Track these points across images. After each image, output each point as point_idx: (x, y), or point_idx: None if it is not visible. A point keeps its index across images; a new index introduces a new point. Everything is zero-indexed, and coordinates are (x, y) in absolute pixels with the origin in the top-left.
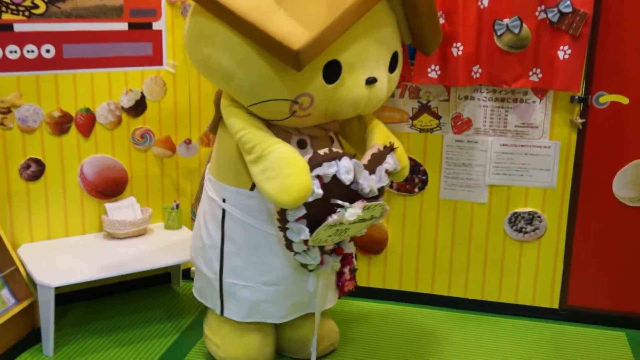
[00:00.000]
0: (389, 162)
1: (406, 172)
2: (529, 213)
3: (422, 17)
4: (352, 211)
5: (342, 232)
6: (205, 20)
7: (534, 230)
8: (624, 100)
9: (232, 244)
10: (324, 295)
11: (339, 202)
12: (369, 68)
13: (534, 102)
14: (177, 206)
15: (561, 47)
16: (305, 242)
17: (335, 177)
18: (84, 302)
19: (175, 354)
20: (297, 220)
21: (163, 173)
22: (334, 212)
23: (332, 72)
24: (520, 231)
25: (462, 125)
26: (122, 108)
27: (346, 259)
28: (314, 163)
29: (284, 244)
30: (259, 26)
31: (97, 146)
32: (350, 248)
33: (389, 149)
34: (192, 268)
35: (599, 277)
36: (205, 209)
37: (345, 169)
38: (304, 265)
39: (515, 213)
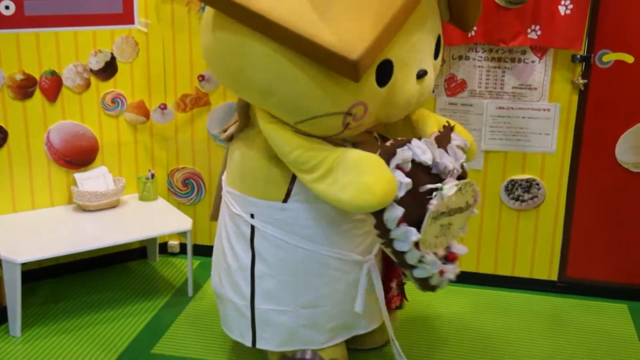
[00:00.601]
0: (456, 139)
1: (475, 149)
2: (527, 180)
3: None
4: (449, 186)
5: (446, 228)
6: (231, 35)
7: (531, 199)
8: (629, 59)
9: (264, 264)
10: (371, 313)
11: (431, 186)
12: (419, 61)
13: (532, 61)
14: (152, 176)
15: (562, 2)
16: (417, 245)
17: (414, 163)
18: (53, 279)
19: (152, 333)
20: (399, 224)
21: (136, 140)
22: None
23: (385, 73)
24: (517, 199)
25: (456, 87)
26: (91, 70)
27: (393, 272)
28: (387, 154)
29: (396, 262)
30: (307, 37)
31: (64, 112)
32: (462, 249)
33: (449, 127)
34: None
35: (600, 247)
36: (228, 227)
37: (420, 149)
38: (425, 284)
39: (512, 180)
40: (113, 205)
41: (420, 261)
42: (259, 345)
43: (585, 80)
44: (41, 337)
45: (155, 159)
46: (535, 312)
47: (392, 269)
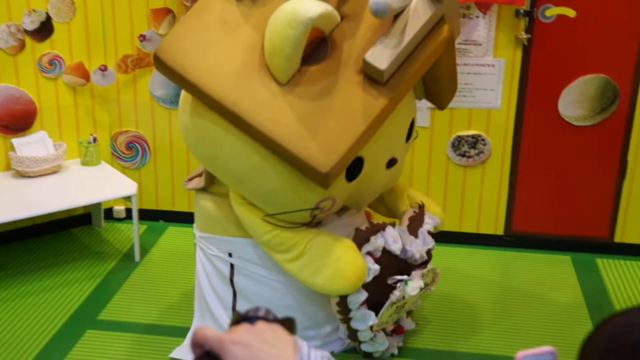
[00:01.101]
0: (428, 222)
1: (442, 224)
2: (473, 136)
3: (443, 84)
4: (414, 284)
5: (400, 308)
6: (210, 125)
7: (477, 154)
8: (571, 13)
9: (246, 300)
10: None
11: (399, 277)
12: (390, 151)
13: (477, 17)
14: (95, 140)
15: None
16: (371, 328)
17: (384, 250)
18: None
19: (98, 300)
20: (360, 306)
21: (76, 103)
22: (393, 289)
23: (355, 168)
24: (463, 155)
25: None
26: (25, 31)
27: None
28: (360, 240)
29: (347, 335)
30: (281, 143)
31: None
32: (409, 324)
33: (422, 209)
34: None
35: (544, 201)
36: (207, 269)
37: (392, 238)
38: (368, 355)
39: (459, 137)
40: (54, 171)
41: (371, 339)
42: None
43: (529, 35)
44: None
45: (97, 122)
46: (483, 266)
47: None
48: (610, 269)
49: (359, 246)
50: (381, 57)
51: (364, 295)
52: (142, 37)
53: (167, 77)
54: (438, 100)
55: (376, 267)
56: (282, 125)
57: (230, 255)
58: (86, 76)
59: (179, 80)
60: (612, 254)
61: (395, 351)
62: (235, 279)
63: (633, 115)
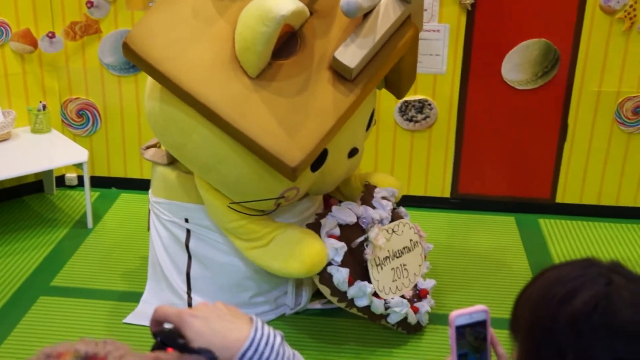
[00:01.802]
0: (381, 192)
1: (401, 192)
2: (419, 101)
3: (404, 76)
4: (374, 232)
5: (401, 270)
6: (179, 113)
7: (424, 119)
8: None
9: (201, 265)
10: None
11: (359, 239)
12: (352, 141)
13: None
14: (44, 107)
15: None
16: (377, 295)
17: (343, 226)
18: None
19: (51, 266)
20: (350, 284)
21: (25, 71)
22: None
23: (319, 159)
24: (411, 120)
25: None
26: None
27: None
28: (315, 227)
29: (371, 318)
30: (250, 136)
31: None
32: (428, 283)
33: (370, 186)
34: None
35: (489, 164)
36: (161, 235)
37: (342, 213)
38: (407, 326)
39: (406, 102)
40: (4, 139)
41: (386, 308)
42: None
43: (472, 1)
44: None
45: (46, 89)
46: (431, 227)
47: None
48: (552, 228)
49: (318, 233)
50: (350, 55)
51: (345, 271)
52: (90, 4)
53: (136, 65)
54: (397, 91)
55: (340, 244)
56: (252, 118)
57: (186, 220)
58: (34, 43)
59: (149, 70)
60: (553, 214)
61: (429, 309)
62: (190, 244)
63: (573, 78)
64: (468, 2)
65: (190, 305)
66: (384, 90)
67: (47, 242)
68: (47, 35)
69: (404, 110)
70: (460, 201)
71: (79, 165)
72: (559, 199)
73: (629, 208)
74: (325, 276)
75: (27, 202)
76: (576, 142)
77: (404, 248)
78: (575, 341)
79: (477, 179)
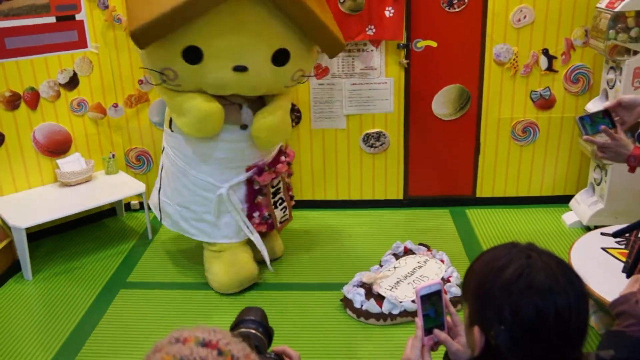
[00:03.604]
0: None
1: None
2: (377, 132)
3: (309, 34)
4: (370, 281)
5: (420, 279)
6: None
7: (381, 145)
8: (434, 44)
9: (164, 171)
10: (235, 230)
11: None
12: (237, 58)
13: (372, 50)
14: (113, 156)
15: (387, 8)
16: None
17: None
18: (51, 237)
19: (126, 268)
20: (380, 307)
21: (99, 132)
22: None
23: (193, 55)
24: (371, 146)
25: (322, 72)
26: (59, 84)
27: (255, 206)
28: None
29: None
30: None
31: (43, 116)
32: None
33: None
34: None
35: (428, 173)
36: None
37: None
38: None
39: (367, 134)
40: (87, 180)
41: (413, 302)
42: (162, 222)
43: (408, 61)
44: (47, 278)
45: (114, 143)
46: (390, 221)
47: (256, 202)
48: (475, 215)
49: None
50: None
51: (372, 302)
52: (141, 82)
53: (142, 40)
54: (322, 49)
55: (362, 290)
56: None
57: (164, 138)
58: (104, 112)
59: (151, 28)
60: (475, 205)
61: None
62: (162, 156)
63: (481, 110)
64: (405, 62)
65: (159, 194)
66: (351, 126)
67: (121, 251)
68: (113, 106)
69: (366, 140)
70: (410, 201)
71: (140, 195)
72: (478, 194)
73: (525, 197)
74: (363, 312)
75: (106, 223)
76: (487, 154)
77: (413, 269)
78: (507, 299)
79: (421, 184)
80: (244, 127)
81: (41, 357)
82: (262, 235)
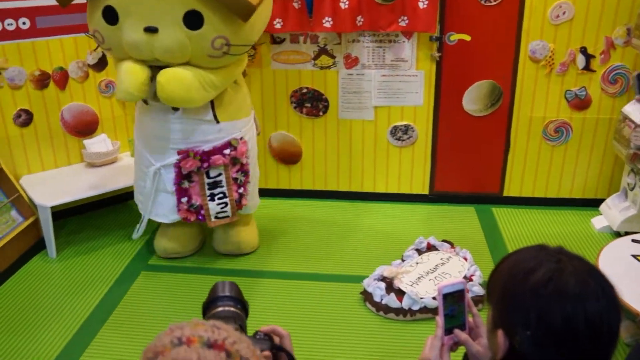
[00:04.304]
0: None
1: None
2: (405, 125)
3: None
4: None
5: (442, 277)
6: None
7: (408, 138)
8: (467, 38)
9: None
10: (168, 211)
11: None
12: (148, 18)
13: (403, 41)
14: None
15: None
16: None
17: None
18: (76, 217)
19: (148, 250)
20: (400, 302)
21: (125, 113)
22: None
23: (110, 15)
24: (399, 139)
25: (351, 62)
26: (88, 65)
27: (183, 191)
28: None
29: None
30: None
31: (72, 96)
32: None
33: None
34: None
35: (455, 169)
36: None
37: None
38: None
39: (395, 126)
40: (113, 161)
41: (434, 298)
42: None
43: (440, 54)
44: (70, 257)
45: None
46: (415, 217)
47: (182, 187)
48: (501, 214)
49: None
50: None
51: (392, 295)
52: None
53: None
54: (228, 9)
55: (383, 284)
56: None
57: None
58: None
59: None
60: (502, 204)
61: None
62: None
63: (512, 107)
64: (437, 55)
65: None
66: (379, 118)
67: (144, 232)
68: None
69: (393, 132)
70: (435, 197)
71: None
72: (505, 193)
73: (554, 199)
74: (382, 306)
75: (130, 205)
76: (517, 152)
77: (435, 266)
78: (535, 304)
79: (447, 180)
80: (175, 108)
81: (63, 333)
82: (229, 227)
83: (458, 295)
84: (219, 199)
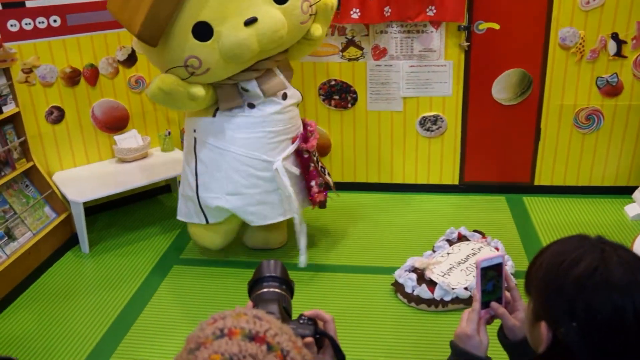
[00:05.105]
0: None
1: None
2: (434, 116)
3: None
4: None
5: (473, 267)
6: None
7: (437, 129)
8: (496, 26)
9: (202, 164)
10: (287, 206)
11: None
12: (241, 12)
13: (431, 31)
14: (169, 133)
15: None
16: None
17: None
18: (108, 212)
19: (179, 244)
20: (432, 292)
21: (155, 109)
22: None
23: (203, 31)
24: (428, 130)
25: (379, 53)
26: (118, 61)
27: (311, 174)
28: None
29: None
30: (123, 24)
31: (102, 92)
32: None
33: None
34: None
35: (485, 158)
36: (184, 147)
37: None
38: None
39: (424, 117)
40: (143, 157)
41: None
42: (210, 221)
43: (468, 43)
44: (103, 252)
45: (170, 121)
46: (445, 207)
47: (309, 171)
48: (533, 204)
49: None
50: None
51: (423, 287)
52: None
53: (152, 32)
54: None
55: (414, 275)
56: (124, 9)
57: (194, 131)
58: None
59: (150, 21)
60: (533, 193)
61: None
62: (197, 148)
63: (542, 96)
64: (465, 44)
65: (197, 195)
66: (407, 109)
67: (175, 227)
68: None
69: (422, 123)
70: (465, 187)
71: None
72: (536, 182)
73: (585, 187)
74: (414, 297)
75: (160, 200)
76: (547, 141)
77: (466, 256)
78: (581, 295)
79: (477, 170)
80: (284, 96)
81: (96, 328)
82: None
83: (496, 270)
84: (324, 171)
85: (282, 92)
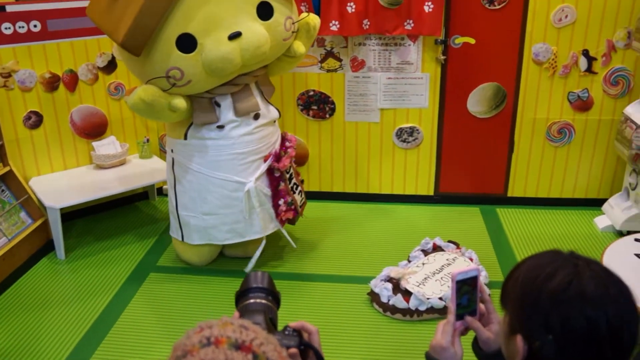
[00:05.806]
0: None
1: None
2: (410, 127)
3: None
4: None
5: (448, 278)
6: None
7: (414, 140)
8: (472, 41)
9: (180, 184)
10: (263, 224)
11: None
12: (227, 26)
13: (409, 45)
14: (148, 140)
15: (426, 3)
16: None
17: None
18: (85, 218)
19: (156, 251)
20: (407, 302)
21: (134, 116)
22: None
23: (187, 43)
24: (404, 141)
25: (358, 65)
26: (98, 67)
27: (279, 194)
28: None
29: (439, 316)
30: (106, 32)
31: (81, 98)
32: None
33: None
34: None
35: (460, 170)
36: (167, 164)
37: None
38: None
39: (400, 128)
40: (121, 163)
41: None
42: (185, 240)
43: (445, 57)
44: (79, 258)
45: (149, 128)
46: (420, 217)
47: (279, 190)
48: (506, 215)
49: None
50: None
51: (399, 296)
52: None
53: (135, 41)
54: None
55: (390, 285)
56: (106, 19)
57: (172, 151)
58: None
59: (135, 30)
60: (506, 205)
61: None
62: (174, 168)
63: (516, 109)
64: (442, 58)
65: (177, 212)
66: (384, 120)
67: (152, 233)
68: None
69: (399, 134)
70: (440, 197)
71: None
72: (509, 193)
73: (557, 199)
74: (389, 307)
75: (138, 206)
76: (520, 153)
77: (441, 266)
78: (556, 309)
79: (452, 181)
80: (256, 116)
81: (71, 335)
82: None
83: (471, 282)
84: (296, 189)
85: (254, 112)
